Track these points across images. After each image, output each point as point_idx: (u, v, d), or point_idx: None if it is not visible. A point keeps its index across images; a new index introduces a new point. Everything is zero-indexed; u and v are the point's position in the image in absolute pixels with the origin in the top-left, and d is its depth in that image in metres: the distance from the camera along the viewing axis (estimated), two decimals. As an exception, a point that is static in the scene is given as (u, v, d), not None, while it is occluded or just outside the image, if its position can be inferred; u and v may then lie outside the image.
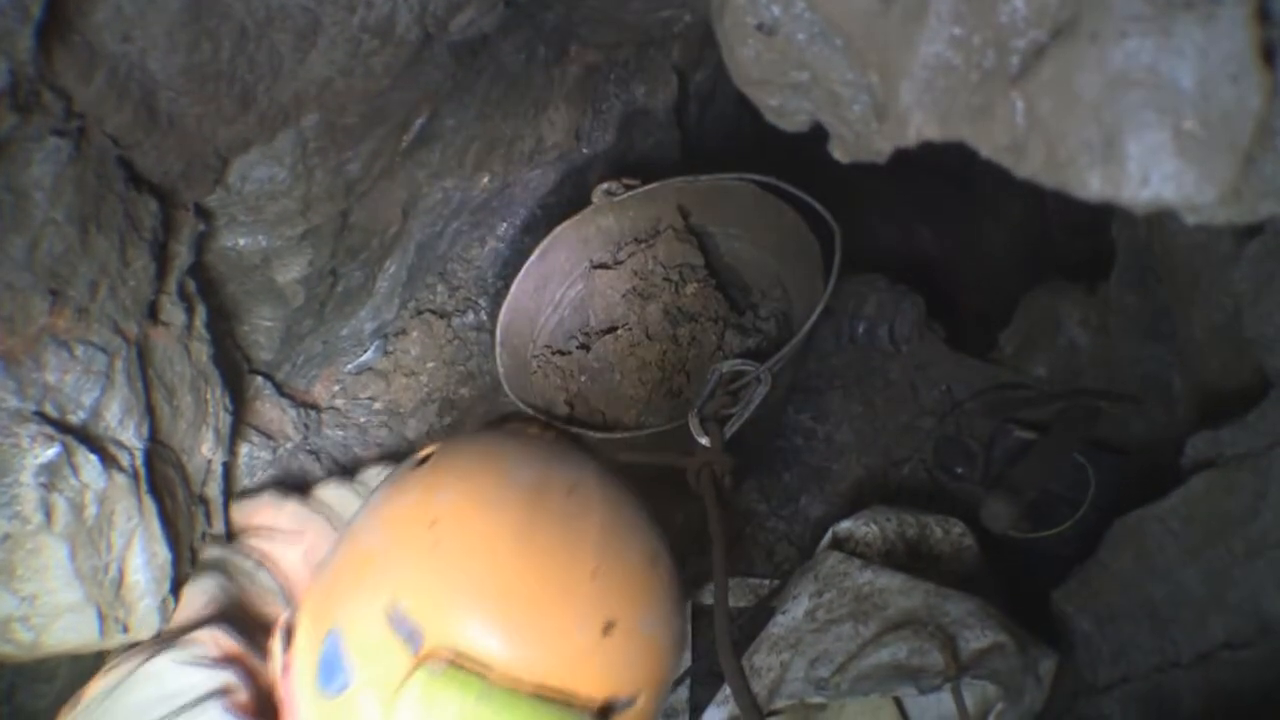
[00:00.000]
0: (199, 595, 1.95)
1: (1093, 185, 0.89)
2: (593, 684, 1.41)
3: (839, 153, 1.22)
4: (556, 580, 1.44)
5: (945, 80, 1.00)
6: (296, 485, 2.51)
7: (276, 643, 1.70)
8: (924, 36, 0.99)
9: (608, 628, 1.42)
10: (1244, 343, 1.98)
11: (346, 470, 2.64)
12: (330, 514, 2.31)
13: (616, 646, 1.43)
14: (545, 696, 1.36)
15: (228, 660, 1.76)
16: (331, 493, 2.36)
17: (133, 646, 1.82)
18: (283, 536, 2.23)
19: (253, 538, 2.23)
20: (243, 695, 1.69)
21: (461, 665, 1.36)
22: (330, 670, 1.48)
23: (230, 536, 2.26)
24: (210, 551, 2.11)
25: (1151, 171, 0.86)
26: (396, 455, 2.73)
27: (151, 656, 1.73)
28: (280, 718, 1.64)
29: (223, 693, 1.66)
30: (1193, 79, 0.83)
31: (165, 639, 1.81)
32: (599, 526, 1.54)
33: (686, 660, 2.59)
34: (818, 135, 1.27)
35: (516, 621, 1.40)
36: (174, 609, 1.87)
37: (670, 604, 1.57)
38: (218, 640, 1.80)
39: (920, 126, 1.03)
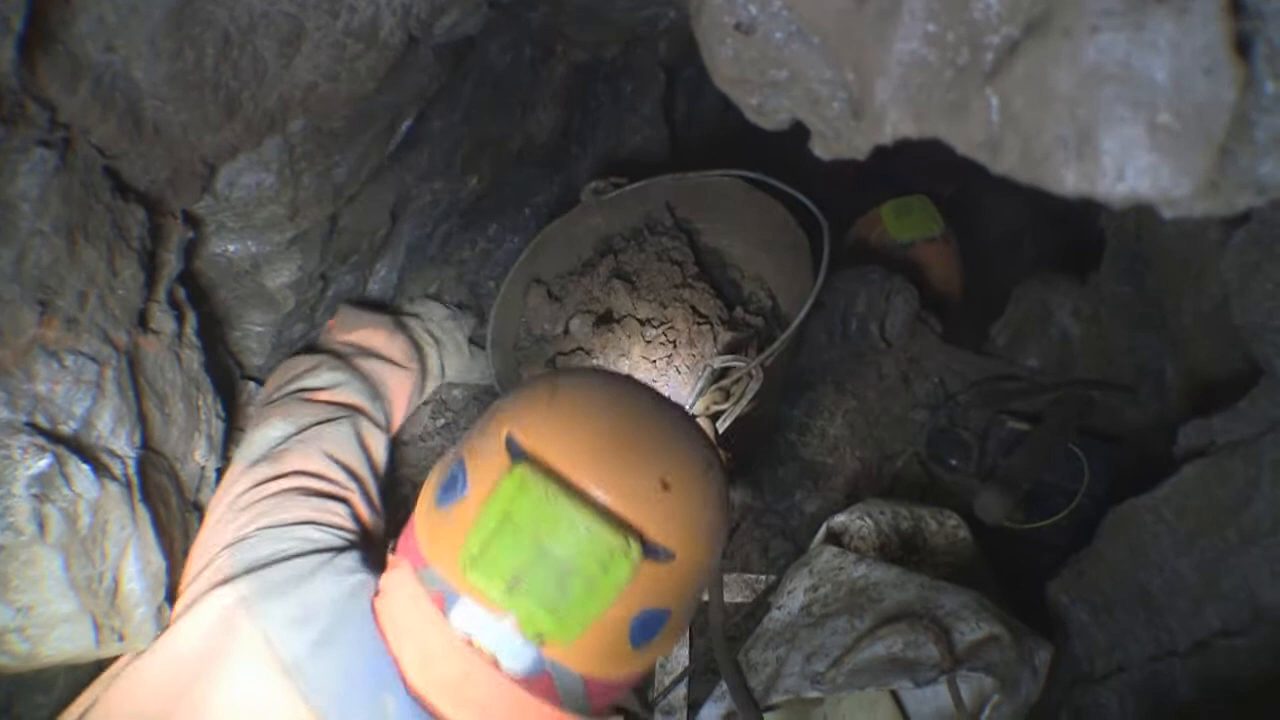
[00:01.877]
0: (331, 442, 2.22)
1: (1068, 181, 0.89)
2: (645, 524, 1.60)
3: (820, 150, 1.23)
4: (636, 445, 1.69)
5: (920, 77, 1.00)
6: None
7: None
8: (898, 34, 0.99)
9: (665, 484, 1.63)
10: (1234, 330, 1.98)
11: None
12: (426, 357, 2.79)
13: (670, 501, 1.64)
14: (608, 512, 1.57)
15: (339, 524, 2.02)
16: (436, 324, 2.91)
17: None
18: (395, 370, 2.62)
19: (365, 359, 2.56)
20: (363, 556, 1.94)
21: (550, 472, 1.60)
22: (450, 487, 1.72)
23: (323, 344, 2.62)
24: (331, 376, 2.42)
25: (1126, 166, 0.86)
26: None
27: (303, 524, 1.97)
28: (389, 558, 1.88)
29: (355, 547, 1.95)
30: (1166, 73, 0.83)
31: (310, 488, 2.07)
32: (671, 419, 1.81)
33: (683, 659, 2.60)
34: (804, 130, 1.28)
35: (599, 458, 1.64)
36: (170, 616, 1.87)
37: (716, 491, 1.78)
38: (350, 512, 2.07)
39: (896, 124, 1.03)
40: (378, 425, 2.34)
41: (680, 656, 2.60)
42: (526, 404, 1.75)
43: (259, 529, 1.93)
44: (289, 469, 2.08)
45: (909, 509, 2.48)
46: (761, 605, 2.43)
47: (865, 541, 2.40)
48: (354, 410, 2.30)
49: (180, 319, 2.06)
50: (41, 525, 1.62)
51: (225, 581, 1.83)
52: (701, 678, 2.51)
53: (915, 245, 3.69)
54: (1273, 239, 1.78)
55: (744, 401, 2.42)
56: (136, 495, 1.81)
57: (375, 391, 2.42)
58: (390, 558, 1.84)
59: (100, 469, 1.73)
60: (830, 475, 3.01)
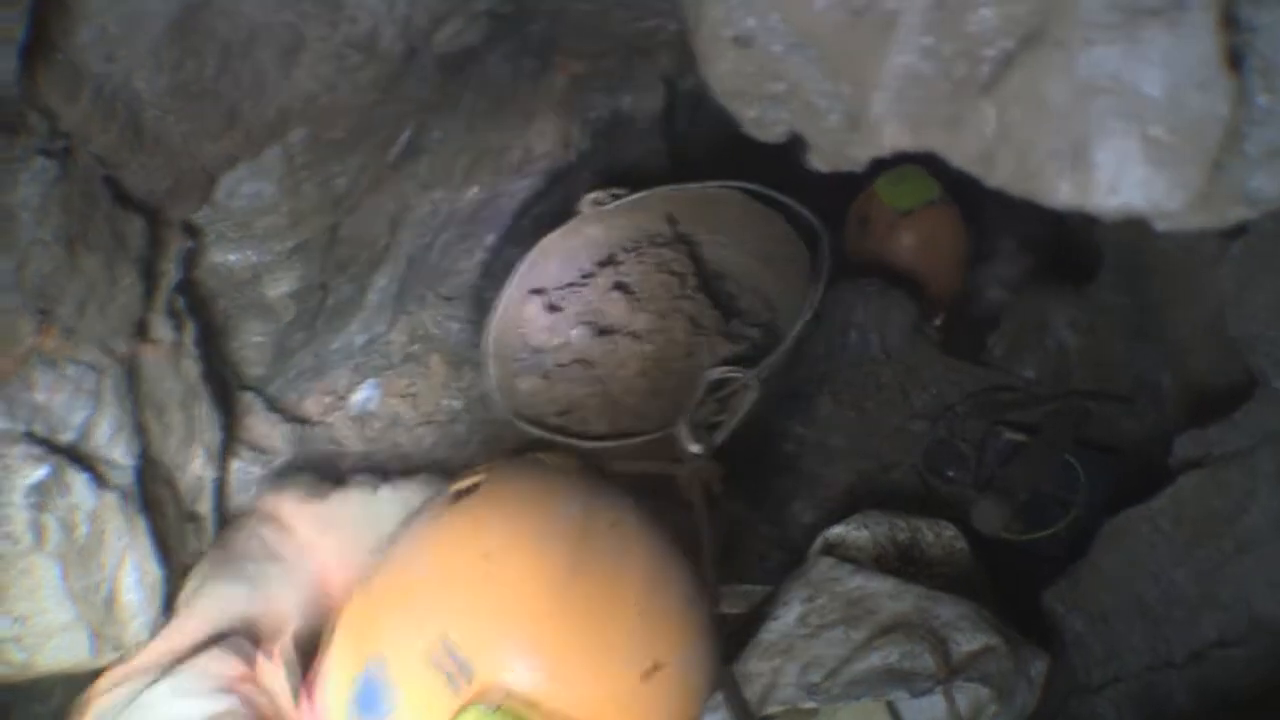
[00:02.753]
0: (207, 604, 1.95)
1: (1062, 193, 0.89)
2: None
3: (817, 162, 1.23)
4: (604, 619, 1.47)
5: (917, 90, 1.00)
6: (329, 473, 2.54)
7: (277, 664, 1.71)
8: (895, 47, 1.00)
9: (652, 670, 1.45)
10: (1230, 341, 1.98)
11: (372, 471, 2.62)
12: (352, 526, 2.30)
13: (659, 689, 1.47)
14: None
15: (228, 685, 1.76)
16: (356, 500, 2.36)
17: (130, 660, 1.82)
18: (299, 547, 2.23)
19: (273, 529, 2.24)
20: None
21: (510, 708, 1.38)
22: (370, 699, 1.49)
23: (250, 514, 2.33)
24: (227, 542, 2.16)
25: (1120, 179, 0.86)
26: (421, 467, 2.73)
27: (151, 684, 1.73)
28: None
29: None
30: (1160, 86, 0.83)
31: (166, 659, 1.81)
32: (641, 565, 1.58)
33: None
34: (802, 141, 1.28)
35: (566, 661, 1.43)
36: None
37: (708, 644, 1.60)
38: (219, 664, 1.80)
39: (893, 136, 1.03)
40: (273, 581, 2.12)
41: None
42: (453, 585, 1.53)
43: None
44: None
45: (906, 520, 2.48)
46: (758, 616, 2.43)
47: (862, 552, 2.40)
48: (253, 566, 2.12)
49: (179, 328, 2.06)
50: (39, 534, 1.62)
51: None
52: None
53: (916, 212, 3.66)
54: (1269, 251, 1.78)
55: (741, 413, 2.42)
56: (134, 505, 1.82)
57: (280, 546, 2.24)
58: None
59: (98, 478, 1.73)
60: (828, 486, 3.01)
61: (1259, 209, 0.89)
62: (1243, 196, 0.88)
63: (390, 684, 1.47)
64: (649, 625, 1.50)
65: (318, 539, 2.24)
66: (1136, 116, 0.85)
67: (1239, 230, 1.87)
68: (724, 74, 1.23)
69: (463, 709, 1.39)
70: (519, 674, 1.41)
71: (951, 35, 0.97)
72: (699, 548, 2.19)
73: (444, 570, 1.54)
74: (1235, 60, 0.84)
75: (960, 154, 0.99)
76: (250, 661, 1.83)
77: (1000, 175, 0.95)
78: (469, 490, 1.73)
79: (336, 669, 1.59)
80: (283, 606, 2.05)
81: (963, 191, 3.85)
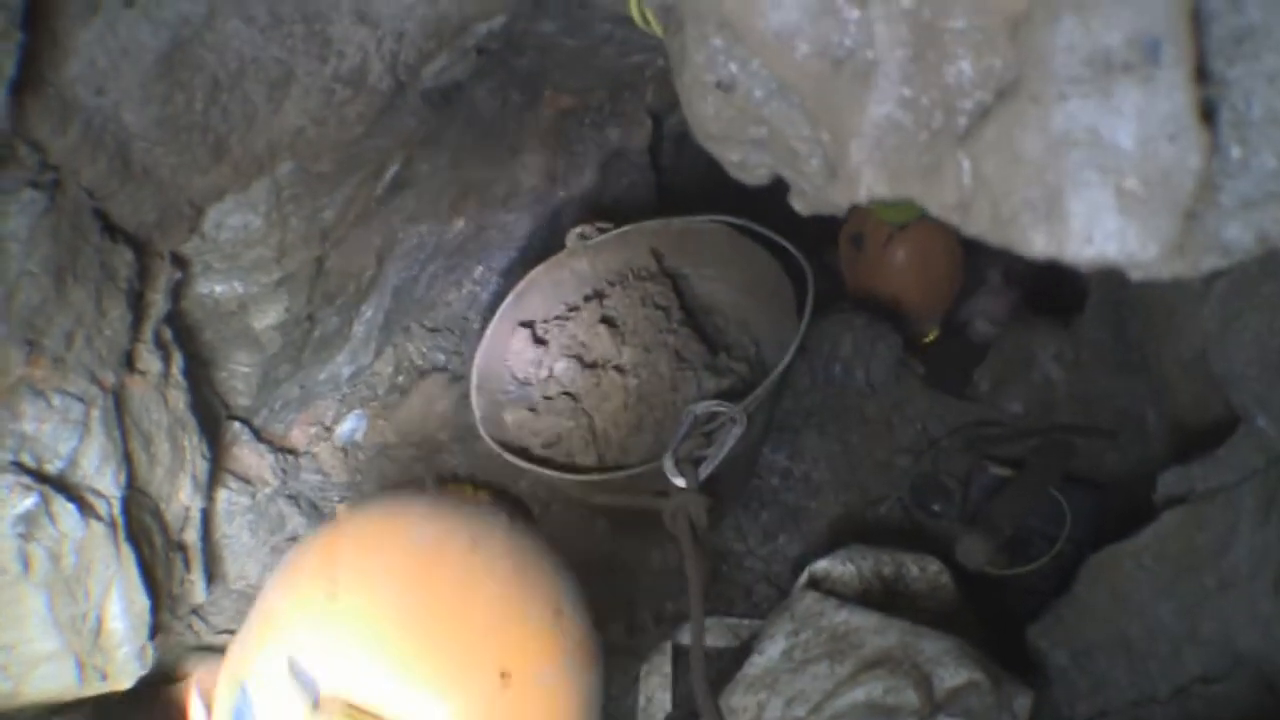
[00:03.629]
0: None
1: (1037, 244, 0.90)
2: None
3: (799, 205, 1.24)
4: (450, 632, 1.48)
5: (894, 139, 1.01)
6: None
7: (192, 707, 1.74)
8: (873, 97, 1.01)
9: (503, 678, 1.44)
10: (1214, 378, 1.99)
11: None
12: None
13: (514, 698, 1.46)
14: None
15: None
16: None
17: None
18: None
19: None
20: None
21: (355, 715, 1.40)
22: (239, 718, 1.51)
23: None
24: None
25: (1094, 230, 0.87)
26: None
27: None
28: None
29: None
30: (1133, 139, 0.84)
31: None
32: (499, 581, 1.58)
33: (666, 704, 2.59)
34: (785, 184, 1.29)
35: (410, 672, 1.43)
36: (153, 656, 1.87)
37: (576, 658, 1.59)
38: None
39: (871, 185, 1.04)
40: None
41: (662, 701, 2.59)
42: (301, 611, 1.54)
43: None
44: None
45: (891, 554, 2.49)
46: (744, 650, 2.43)
47: (847, 587, 2.40)
48: None
49: (167, 359, 2.06)
50: (26, 564, 1.63)
51: None
52: (683, 723, 2.51)
53: (910, 226, 3.65)
54: (1253, 289, 1.80)
55: (727, 447, 2.42)
56: (121, 535, 1.82)
57: None
58: None
59: (86, 508, 1.73)
60: (813, 519, 3.02)
61: (1233, 258, 0.90)
62: (1217, 246, 0.89)
63: (253, 705, 1.50)
64: (501, 637, 1.50)
65: None
66: (1110, 169, 0.86)
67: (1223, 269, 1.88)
68: (707, 118, 1.24)
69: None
70: (363, 687, 1.42)
71: (929, 86, 0.98)
72: (684, 581, 2.18)
73: (294, 596, 1.56)
74: (1208, 113, 0.85)
75: (937, 203, 1.00)
76: None
77: (976, 225, 0.96)
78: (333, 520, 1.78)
79: (221, 693, 1.61)
80: None
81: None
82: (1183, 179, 0.84)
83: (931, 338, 3.99)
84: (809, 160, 1.16)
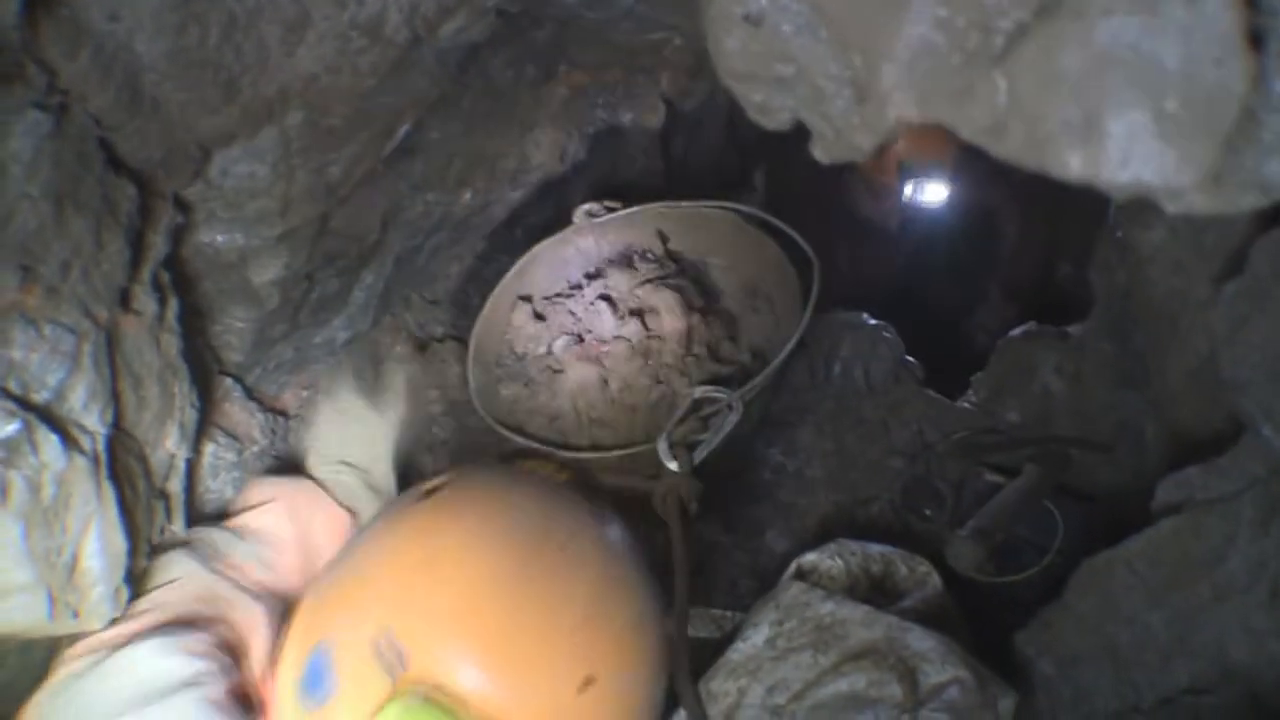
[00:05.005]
0: (178, 575, 1.94)
1: (1072, 165, 0.88)
2: None
3: (819, 152, 1.22)
4: (542, 630, 1.48)
5: (928, 62, 0.99)
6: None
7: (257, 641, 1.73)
8: (909, 18, 0.99)
9: (586, 684, 1.45)
10: (1218, 388, 1.97)
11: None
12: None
13: (592, 704, 1.47)
14: None
15: (205, 651, 1.75)
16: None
17: (104, 633, 1.80)
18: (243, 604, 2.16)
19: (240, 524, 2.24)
20: (218, 688, 1.67)
21: (437, 700, 1.39)
22: (314, 681, 1.51)
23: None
24: (205, 530, 2.15)
25: (1131, 152, 0.85)
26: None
27: (129, 643, 1.72)
28: (260, 717, 1.66)
29: (198, 683, 1.66)
30: (1177, 59, 0.83)
31: (143, 625, 1.79)
32: (590, 582, 1.59)
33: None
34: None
35: (498, 666, 1.43)
36: (127, 598, 1.84)
37: (651, 667, 1.59)
38: (198, 635, 1.79)
39: (901, 108, 1.02)
40: (238, 563, 2.09)
41: None
42: (397, 584, 1.55)
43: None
44: None
45: (880, 551, 2.47)
46: (727, 642, 2.41)
47: (835, 581, 2.38)
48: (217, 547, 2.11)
49: (162, 303, 2.04)
50: (4, 491, 1.60)
51: None
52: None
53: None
54: (1263, 293, 1.78)
55: (722, 433, 2.41)
56: (104, 473, 1.79)
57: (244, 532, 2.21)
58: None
59: (69, 441, 1.71)
60: (803, 516, 3.00)
61: (1270, 196, 0.88)
62: (1257, 182, 0.87)
63: (333, 668, 1.49)
64: (589, 640, 1.51)
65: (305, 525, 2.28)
66: (1151, 89, 0.84)
67: (1232, 271, 1.86)
68: (732, 54, 1.21)
69: (390, 698, 1.40)
70: (453, 672, 1.42)
71: (967, 6, 0.96)
72: (671, 566, 2.17)
73: (396, 564, 1.56)
74: (1255, 40, 0.83)
75: (969, 126, 0.98)
76: (226, 642, 1.83)
77: (1009, 146, 0.94)
78: (436, 489, 1.75)
79: (290, 650, 1.62)
80: (257, 609, 2.03)
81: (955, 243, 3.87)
82: (1226, 105, 0.82)
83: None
84: (834, 101, 1.14)
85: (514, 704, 1.41)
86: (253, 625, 1.95)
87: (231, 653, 1.82)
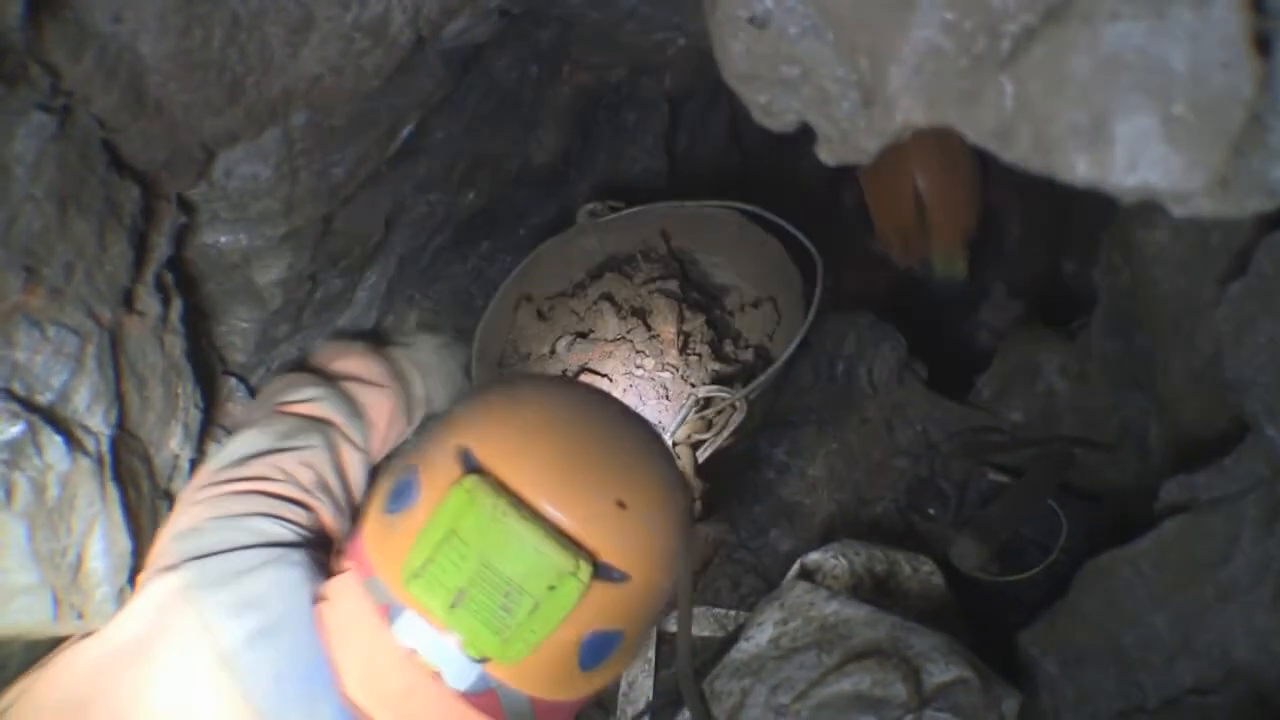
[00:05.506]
0: (307, 447, 2.15)
1: (1079, 169, 0.89)
2: (598, 543, 1.58)
3: (825, 154, 1.22)
4: (594, 461, 1.68)
5: (935, 65, 0.99)
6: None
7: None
8: (915, 20, 0.99)
9: (622, 504, 1.62)
10: (1222, 389, 1.97)
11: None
12: (410, 384, 2.65)
13: (625, 523, 1.63)
14: (558, 530, 1.55)
15: (311, 526, 1.97)
16: (427, 353, 2.86)
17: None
18: (374, 391, 2.48)
19: (344, 381, 2.46)
20: (316, 552, 1.90)
21: (500, 485, 1.58)
22: (400, 495, 1.70)
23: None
24: (310, 391, 2.33)
25: (1139, 156, 0.86)
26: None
27: (248, 511, 1.91)
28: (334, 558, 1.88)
29: (306, 546, 1.89)
30: (1184, 63, 0.83)
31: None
32: (642, 442, 1.81)
33: (649, 691, 2.57)
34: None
35: (555, 473, 1.62)
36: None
37: (677, 524, 1.75)
38: (311, 512, 2.01)
39: (908, 112, 1.02)
40: (353, 443, 2.26)
41: (645, 688, 2.57)
42: (483, 413, 1.74)
43: (210, 519, 1.89)
44: (253, 474, 2.02)
45: (884, 551, 2.48)
46: (730, 641, 2.41)
47: (838, 580, 2.39)
48: (330, 425, 2.24)
49: (166, 303, 2.04)
50: (8, 492, 1.60)
51: (168, 569, 1.80)
52: (665, 709, 2.48)
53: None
54: (1268, 293, 1.78)
55: (726, 432, 2.41)
56: (108, 474, 1.79)
57: (353, 409, 2.35)
58: (338, 562, 1.83)
59: (73, 443, 1.71)
60: (807, 516, 3.00)
61: (1278, 200, 0.89)
62: (1261, 186, 0.87)
63: (419, 482, 1.68)
64: (631, 477, 1.69)
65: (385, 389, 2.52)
66: (1159, 93, 0.84)
67: (1237, 271, 1.86)
68: (737, 56, 1.21)
69: (460, 478, 1.58)
70: (515, 472, 1.61)
71: (974, 9, 0.96)
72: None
73: (478, 406, 1.78)
74: (1262, 44, 0.83)
75: (976, 129, 0.98)
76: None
77: (1017, 150, 0.94)
78: None
79: (381, 482, 1.84)
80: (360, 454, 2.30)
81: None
82: (1233, 108, 0.82)
83: (962, 267, 3.94)
84: (840, 103, 1.14)
85: (564, 505, 1.59)
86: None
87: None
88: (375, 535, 1.72)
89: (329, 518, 2.03)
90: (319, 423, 2.21)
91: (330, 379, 2.42)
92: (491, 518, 1.53)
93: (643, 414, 2.62)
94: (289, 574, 1.79)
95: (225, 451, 2.11)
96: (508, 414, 1.72)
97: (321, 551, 1.92)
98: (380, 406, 2.45)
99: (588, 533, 1.58)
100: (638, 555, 1.64)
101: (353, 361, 2.56)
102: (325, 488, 2.07)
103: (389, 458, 2.47)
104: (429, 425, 1.87)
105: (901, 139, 1.08)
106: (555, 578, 1.52)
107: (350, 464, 2.21)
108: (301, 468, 2.05)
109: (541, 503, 1.57)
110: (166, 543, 1.88)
